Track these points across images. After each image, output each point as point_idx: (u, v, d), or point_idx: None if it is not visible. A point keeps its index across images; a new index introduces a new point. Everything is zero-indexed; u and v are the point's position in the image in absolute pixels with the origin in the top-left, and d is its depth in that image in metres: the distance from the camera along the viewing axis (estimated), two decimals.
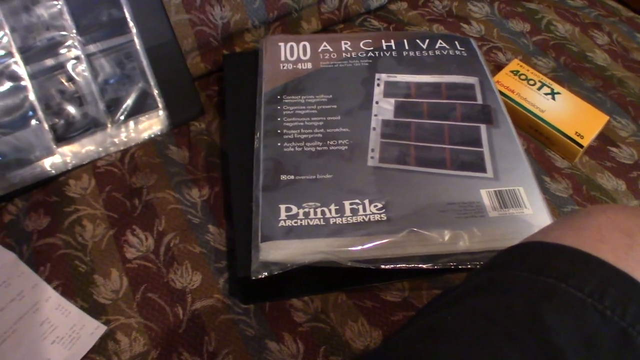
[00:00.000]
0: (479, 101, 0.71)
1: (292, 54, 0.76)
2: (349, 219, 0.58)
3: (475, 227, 0.58)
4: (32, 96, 0.67)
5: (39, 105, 0.67)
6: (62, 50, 0.68)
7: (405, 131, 0.67)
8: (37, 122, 0.67)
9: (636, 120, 0.81)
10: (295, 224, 0.57)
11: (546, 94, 0.78)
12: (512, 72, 0.81)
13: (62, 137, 0.69)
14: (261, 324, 0.59)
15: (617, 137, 0.79)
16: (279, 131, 0.66)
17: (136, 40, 0.72)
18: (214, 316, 0.59)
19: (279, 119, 0.67)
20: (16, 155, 0.66)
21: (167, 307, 0.60)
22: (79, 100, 0.69)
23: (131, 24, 0.71)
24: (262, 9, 0.84)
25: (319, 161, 0.63)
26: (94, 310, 0.59)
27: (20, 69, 0.66)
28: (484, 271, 0.41)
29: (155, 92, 0.73)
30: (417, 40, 0.79)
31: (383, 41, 0.79)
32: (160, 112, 0.74)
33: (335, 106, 0.69)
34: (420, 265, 0.56)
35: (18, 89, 0.66)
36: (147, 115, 0.73)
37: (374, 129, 0.67)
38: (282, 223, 0.57)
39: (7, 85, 0.66)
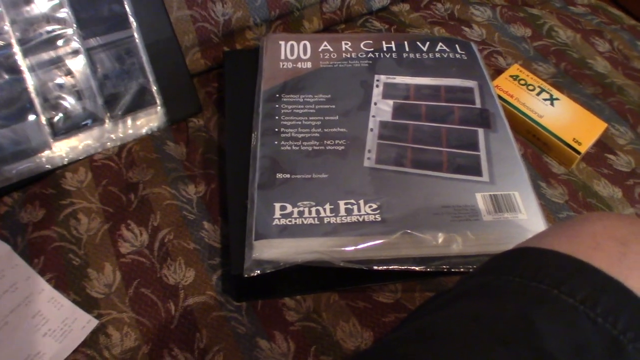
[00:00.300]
0: (478, 105, 0.71)
1: (292, 52, 0.76)
2: (343, 218, 0.58)
3: (469, 230, 0.58)
4: (30, 89, 0.67)
5: (37, 98, 0.67)
6: (62, 44, 0.68)
7: (402, 133, 0.67)
8: (35, 116, 0.67)
9: (634, 128, 0.81)
10: (290, 223, 0.57)
11: (545, 99, 0.78)
12: (511, 76, 0.81)
13: (60, 131, 0.69)
14: (253, 322, 0.59)
15: (615, 144, 0.79)
16: (276, 129, 0.66)
17: (136, 36, 0.72)
18: (206, 313, 0.59)
19: (276, 118, 0.67)
20: (13, 148, 0.66)
21: (159, 302, 0.60)
22: (77, 94, 0.69)
23: (131, 19, 0.71)
24: (264, 7, 0.84)
25: (316, 160, 0.63)
26: (87, 304, 0.59)
27: (19, 61, 0.66)
28: (477, 275, 0.41)
29: (154, 88, 0.73)
30: (418, 43, 0.79)
31: (383, 42, 0.79)
32: (158, 108, 0.74)
33: (333, 106, 0.69)
34: (413, 268, 0.56)
35: (16, 82, 0.66)
36: (145, 111, 0.73)
37: (372, 130, 0.67)
38: (276, 222, 0.58)
39: (6, 77, 0.66)
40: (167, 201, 0.67)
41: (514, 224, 0.59)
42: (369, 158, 0.64)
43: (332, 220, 0.58)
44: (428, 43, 0.79)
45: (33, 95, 0.67)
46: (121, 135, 0.72)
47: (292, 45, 0.77)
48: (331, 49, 0.77)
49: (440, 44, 0.80)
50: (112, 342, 0.57)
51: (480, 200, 0.61)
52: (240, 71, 0.76)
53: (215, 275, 0.62)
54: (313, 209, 0.59)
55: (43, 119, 0.68)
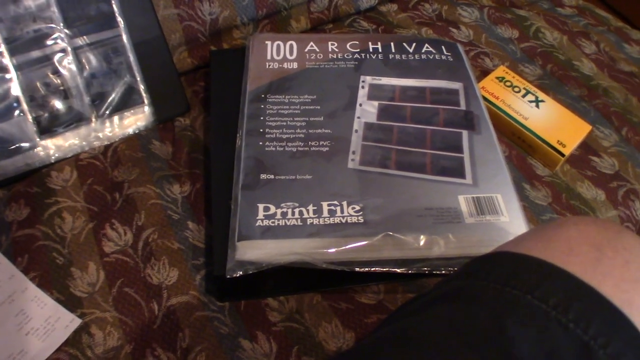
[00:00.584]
0: (462, 107, 0.71)
1: (278, 53, 0.76)
2: (326, 219, 0.59)
3: (451, 233, 0.58)
4: (16, 88, 0.67)
5: (24, 97, 0.67)
6: (49, 43, 0.68)
7: (387, 134, 0.67)
8: (21, 114, 0.67)
9: (619, 131, 0.82)
10: (273, 224, 0.58)
11: (530, 101, 0.79)
12: (497, 78, 0.81)
13: (46, 130, 0.69)
14: (236, 322, 0.59)
15: (599, 146, 0.79)
16: (261, 130, 0.66)
17: (123, 35, 0.72)
18: (189, 313, 0.59)
19: (261, 118, 0.68)
20: None
21: (142, 302, 0.60)
22: (64, 93, 0.69)
23: (119, 18, 0.71)
24: (252, 7, 0.84)
25: (300, 162, 0.64)
26: (70, 303, 0.60)
27: (5, 60, 0.66)
28: (454, 279, 0.41)
29: (141, 87, 0.73)
30: (404, 44, 0.80)
31: (370, 43, 0.79)
32: (146, 108, 0.74)
33: (318, 107, 0.69)
34: (395, 270, 0.56)
35: (2, 80, 0.66)
36: (132, 111, 0.73)
37: (356, 131, 0.67)
38: (259, 222, 0.58)
39: None
40: (151, 200, 0.67)
41: (496, 226, 0.59)
42: (353, 159, 0.64)
43: (315, 221, 0.58)
44: (414, 44, 0.80)
45: (19, 94, 0.67)
46: (108, 134, 0.72)
47: (278, 46, 0.77)
48: (317, 50, 0.77)
49: (426, 45, 0.80)
50: (95, 341, 0.57)
51: (463, 202, 0.61)
52: (226, 71, 0.76)
53: (198, 275, 0.62)
54: (296, 210, 0.59)
55: (29, 118, 0.68)
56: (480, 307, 0.36)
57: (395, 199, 0.61)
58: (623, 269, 0.36)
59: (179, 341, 0.58)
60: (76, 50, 0.70)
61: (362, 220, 0.59)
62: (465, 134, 0.68)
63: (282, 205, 0.59)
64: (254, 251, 0.56)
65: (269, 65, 0.74)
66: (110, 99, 0.72)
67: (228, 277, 0.55)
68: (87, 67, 0.70)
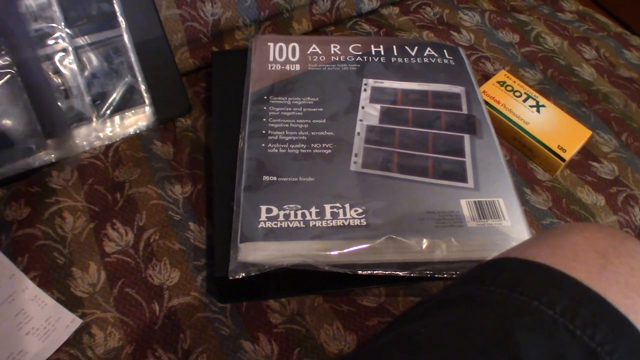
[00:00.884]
0: (464, 111, 0.72)
1: (280, 54, 0.76)
2: (328, 222, 0.59)
3: (453, 236, 0.58)
4: (17, 87, 0.66)
5: (26, 97, 0.67)
6: (50, 42, 0.68)
7: (389, 138, 0.67)
8: (23, 115, 0.67)
9: (619, 136, 0.82)
10: (275, 226, 0.58)
11: (531, 106, 0.79)
12: (498, 82, 0.81)
13: (48, 130, 0.68)
14: (237, 323, 0.59)
15: (599, 152, 0.80)
16: (263, 132, 0.66)
17: (125, 35, 0.72)
18: (190, 314, 0.59)
19: (264, 120, 0.67)
20: (0, 147, 0.66)
21: (143, 302, 0.60)
22: (65, 93, 0.69)
23: (120, 18, 0.71)
24: (254, 8, 0.84)
25: (302, 164, 0.64)
26: (71, 303, 0.59)
27: (8, 60, 0.66)
28: (460, 284, 0.41)
29: (143, 87, 0.73)
30: (406, 47, 0.80)
31: (372, 46, 0.79)
32: (147, 108, 0.74)
33: (321, 109, 0.69)
34: (397, 273, 0.56)
35: (3, 79, 0.66)
36: (133, 111, 0.73)
37: (359, 134, 0.67)
38: (262, 224, 0.58)
39: None
40: (153, 201, 0.67)
41: (498, 231, 0.60)
42: (355, 162, 0.64)
43: (318, 223, 0.58)
44: (416, 48, 0.80)
45: (22, 94, 0.66)
46: (109, 134, 0.72)
47: (280, 47, 0.77)
48: (320, 52, 0.77)
49: (428, 48, 0.80)
50: (96, 341, 0.57)
51: (465, 206, 0.61)
52: (228, 72, 0.76)
53: (200, 276, 0.62)
54: (299, 212, 0.59)
55: (32, 118, 0.67)
56: (488, 312, 0.36)
57: (397, 202, 0.61)
58: (628, 275, 0.36)
59: (180, 342, 0.57)
60: (77, 50, 0.69)
61: (364, 223, 0.59)
62: (467, 138, 0.68)
63: (285, 207, 0.59)
64: (256, 253, 0.56)
65: (272, 67, 0.74)
66: (111, 98, 0.72)
67: (230, 278, 0.55)
68: (88, 66, 0.70)
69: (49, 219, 0.65)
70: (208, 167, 0.71)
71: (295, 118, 0.68)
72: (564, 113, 0.79)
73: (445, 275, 0.57)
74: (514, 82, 0.82)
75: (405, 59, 0.78)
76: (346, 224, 0.59)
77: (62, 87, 0.69)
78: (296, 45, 0.78)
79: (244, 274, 0.54)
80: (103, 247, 0.63)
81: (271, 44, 0.78)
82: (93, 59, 0.70)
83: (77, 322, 0.58)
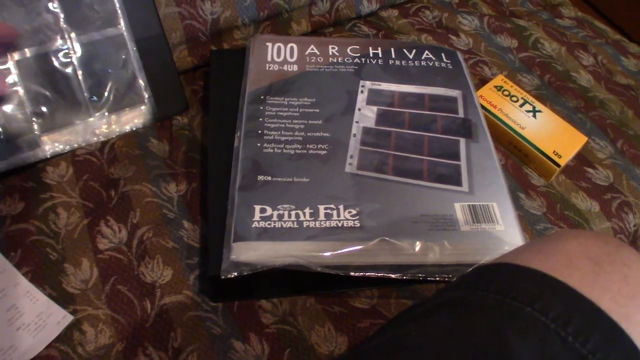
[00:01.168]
0: (461, 115, 0.72)
1: (279, 54, 0.76)
2: (322, 223, 0.59)
3: (446, 240, 0.58)
4: (16, 83, 0.66)
5: (23, 92, 0.67)
6: (49, 38, 0.68)
7: (385, 140, 0.67)
8: (19, 109, 0.67)
9: (614, 143, 0.82)
10: (269, 226, 0.58)
11: (528, 111, 0.79)
12: (495, 87, 0.81)
13: (45, 125, 0.68)
14: (228, 323, 0.59)
15: (595, 158, 0.80)
16: (259, 131, 0.66)
17: (125, 32, 0.71)
18: (182, 312, 0.59)
19: (260, 120, 0.67)
20: None
21: (135, 300, 0.60)
22: (63, 89, 0.69)
23: (120, 15, 0.71)
24: (253, 8, 0.84)
25: (297, 164, 0.64)
26: (62, 299, 0.59)
27: (6, 55, 0.66)
28: (454, 288, 0.42)
29: (141, 85, 0.73)
30: (404, 50, 0.80)
31: (370, 48, 0.79)
32: (145, 106, 0.74)
33: (317, 110, 0.69)
34: (389, 275, 0.56)
35: (2, 74, 0.65)
36: (131, 108, 0.73)
37: (355, 135, 0.67)
38: (255, 224, 0.58)
39: None
40: (147, 199, 0.67)
41: (491, 235, 0.60)
42: (350, 164, 0.64)
43: (312, 224, 0.58)
44: (414, 50, 0.80)
45: (19, 89, 0.66)
46: (106, 131, 0.71)
47: (279, 47, 0.77)
48: (318, 53, 0.77)
49: (426, 52, 0.80)
50: (87, 338, 0.57)
51: (459, 210, 0.61)
52: (226, 71, 0.76)
53: (192, 275, 0.62)
54: (293, 213, 0.59)
55: (28, 112, 0.67)
56: (480, 317, 0.36)
57: (391, 204, 0.61)
58: (622, 283, 0.36)
59: (171, 341, 0.57)
60: (77, 47, 0.69)
61: (358, 225, 0.59)
62: (462, 141, 0.68)
63: (279, 207, 0.59)
64: (250, 252, 0.56)
65: (269, 67, 0.74)
66: (110, 96, 0.71)
67: (223, 277, 0.55)
68: (87, 63, 0.70)
69: (43, 215, 0.65)
70: (203, 165, 0.71)
71: (291, 118, 0.68)
72: (560, 119, 0.79)
73: (437, 279, 0.57)
74: (511, 87, 0.82)
75: (403, 61, 0.78)
76: (340, 225, 0.59)
77: (61, 84, 0.68)
78: (294, 45, 0.78)
79: (236, 274, 0.54)
80: (96, 243, 0.63)
81: (269, 44, 0.78)
82: (92, 56, 0.70)
83: (69, 318, 0.58)
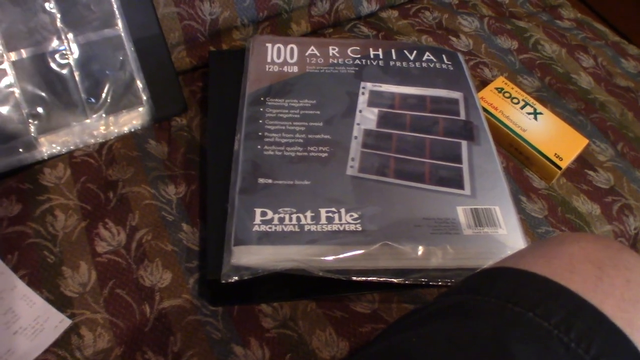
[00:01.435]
0: (462, 117, 0.71)
1: (278, 55, 0.76)
2: (324, 226, 0.58)
3: (449, 244, 0.58)
4: (13, 84, 0.66)
5: (20, 93, 0.66)
6: (46, 40, 0.67)
7: (386, 142, 0.67)
8: (16, 110, 0.66)
9: (615, 145, 0.82)
10: (270, 230, 0.57)
11: (529, 113, 0.79)
12: (496, 89, 0.81)
13: (41, 126, 0.68)
14: (228, 327, 0.58)
15: (595, 160, 0.80)
16: (260, 134, 0.66)
17: (122, 33, 0.71)
18: (181, 316, 0.59)
19: (260, 121, 0.67)
20: None
21: (134, 304, 0.59)
22: (60, 90, 0.68)
23: (118, 16, 0.70)
24: (252, 8, 0.83)
25: (298, 167, 0.63)
26: (60, 302, 0.59)
27: (2, 55, 0.65)
28: (454, 293, 0.41)
29: (139, 86, 0.72)
30: (405, 51, 0.79)
31: (371, 49, 0.79)
32: (143, 107, 0.73)
33: (318, 112, 0.69)
34: (391, 280, 0.56)
35: None
36: (129, 109, 0.72)
37: (356, 137, 0.67)
38: (256, 227, 0.57)
39: None
40: (146, 201, 0.66)
41: (494, 239, 0.59)
42: (352, 166, 0.64)
43: (313, 228, 0.58)
44: (415, 52, 0.79)
45: (16, 90, 0.66)
46: (103, 132, 0.71)
47: (279, 48, 0.76)
48: (318, 54, 0.77)
49: (427, 53, 0.80)
50: (85, 342, 0.56)
51: (461, 213, 0.61)
52: (225, 72, 0.75)
53: (192, 278, 0.61)
54: (294, 216, 0.58)
55: (24, 113, 0.66)
56: (482, 323, 0.35)
57: (393, 207, 0.60)
58: (624, 288, 0.36)
59: (170, 345, 0.57)
60: (74, 48, 0.69)
61: (359, 229, 0.58)
62: (464, 144, 0.68)
63: (280, 210, 0.59)
64: (250, 256, 0.55)
65: (269, 68, 0.74)
66: (107, 97, 0.71)
67: (223, 282, 0.54)
68: (84, 64, 0.69)
69: (40, 217, 0.64)
70: (202, 167, 0.70)
71: (292, 120, 0.67)
72: (561, 121, 0.78)
73: (440, 283, 0.56)
74: (512, 88, 0.81)
75: (404, 63, 0.77)
76: (341, 229, 0.58)
77: (58, 84, 0.68)
78: (294, 46, 0.77)
79: (237, 278, 0.54)
80: (94, 246, 0.62)
81: (269, 45, 0.77)
82: (90, 57, 0.69)
83: (66, 322, 0.57)
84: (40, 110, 0.67)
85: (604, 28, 1.06)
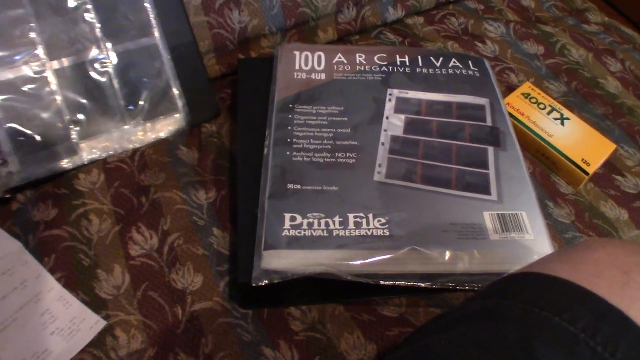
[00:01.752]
0: (489, 123, 0.72)
1: (306, 63, 0.77)
2: (352, 232, 0.59)
3: (476, 249, 0.58)
4: (55, 92, 0.68)
5: (62, 100, 0.68)
6: (87, 49, 0.69)
7: (413, 148, 0.68)
8: (59, 117, 0.68)
9: None
10: (299, 234, 0.58)
11: (556, 119, 0.79)
12: (523, 94, 0.81)
13: (82, 132, 0.69)
14: (258, 330, 0.59)
15: (624, 166, 0.79)
16: (288, 140, 0.67)
17: (159, 42, 0.72)
18: (213, 319, 0.60)
19: (289, 128, 0.68)
20: (38, 148, 0.67)
21: (167, 306, 0.60)
22: (100, 97, 0.70)
23: (155, 25, 0.72)
24: (280, 16, 0.85)
25: (327, 173, 0.64)
26: (95, 304, 0.60)
27: (45, 64, 0.67)
28: (481, 298, 0.42)
29: (176, 93, 0.74)
30: (431, 58, 0.80)
31: (397, 56, 0.79)
32: (179, 113, 0.74)
33: (346, 119, 0.70)
34: (419, 284, 0.56)
35: (41, 84, 0.67)
36: (165, 116, 0.74)
37: (383, 144, 0.68)
38: (286, 232, 0.58)
39: (32, 80, 0.66)
40: (177, 206, 0.68)
41: (521, 244, 0.59)
42: (379, 172, 0.65)
43: (341, 233, 0.59)
44: (442, 59, 0.80)
45: (58, 98, 0.68)
46: (141, 138, 0.72)
47: (306, 56, 0.78)
48: (345, 61, 0.78)
49: (453, 60, 0.80)
50: (119, 344, 0.58)
51: (488, 219, 0.61)
52: (254, 79, 0.77)
53: (222, 282, 0.63)
54: (323, 221, 0.59)
55: (66, 120, 0.68)
56: (509, 327, 0.36)
57: (420, 213, 0.61)
58: None
59: (202, 347, 0.58)
60: (113, 56, 0.70)
61: (387, 234, 0.59)
62: (491, 150, 0.68)
63: (309, 215, 0.60)
64: (280, 261, 0.56)
65: (298, 76, 0.75)
66: (145, 104, 0.72)
67: (254, 285, 0.55)
68: (123, 72, 0.71)
69: (76, 221, 0.66)
70: (232, 173, 0.72)
71: (320, 127, 0.68)
72: (588, 126, 0.78)
73: (467, 288, 0.57)
74: (539, 94, 0.81)
75: (430, 69, 0.78)
76: (369, 234, 0.59)
77: (98, 92, 0.70)
78: (322, 54, 0.78)
79: (267, 282, 0.55)
80: (128, 250, 0.64)
81: (297, 53, 0.78)
82: (128, 65, 0.71)
83: (102, 323, 0.59)
84: (81, 117, 0.69)
85: (632, 32, 1.05)
